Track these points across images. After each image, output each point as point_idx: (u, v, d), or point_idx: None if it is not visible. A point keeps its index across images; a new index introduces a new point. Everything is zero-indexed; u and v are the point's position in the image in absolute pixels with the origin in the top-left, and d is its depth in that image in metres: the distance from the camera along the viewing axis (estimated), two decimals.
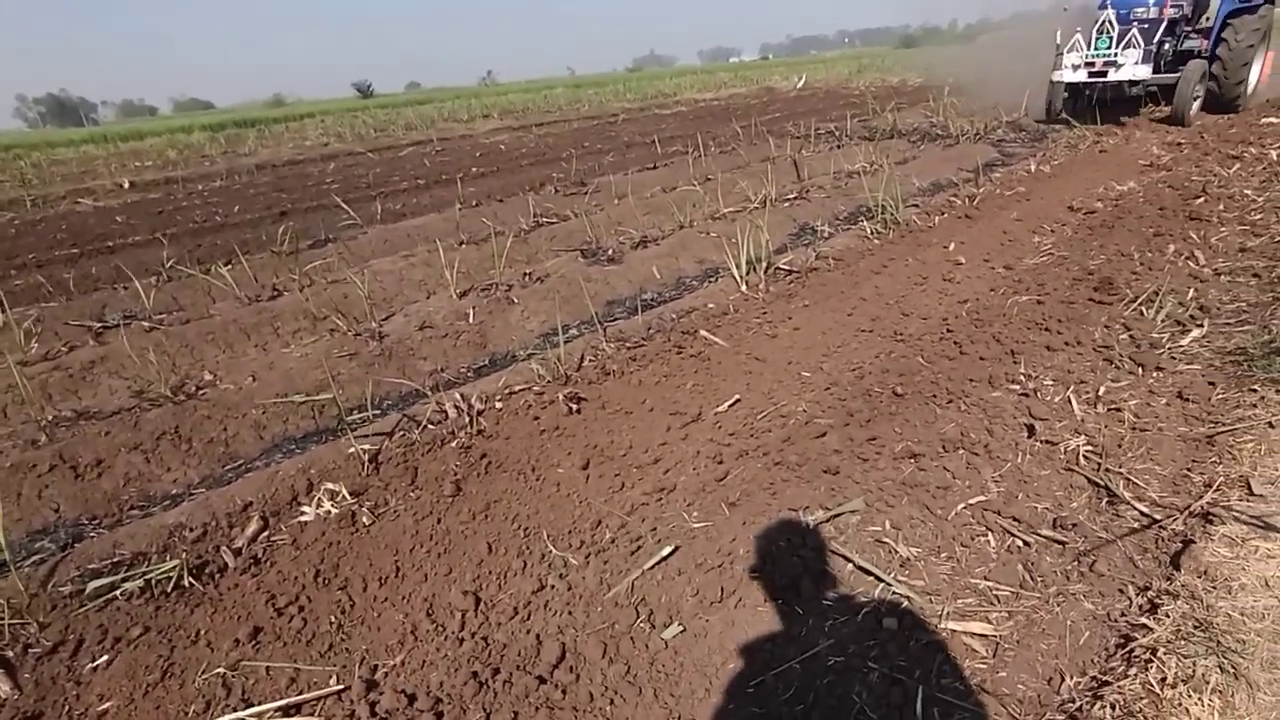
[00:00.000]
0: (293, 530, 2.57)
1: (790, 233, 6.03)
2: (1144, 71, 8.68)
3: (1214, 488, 2.13)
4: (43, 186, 14.19)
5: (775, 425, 2.98)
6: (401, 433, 3.13)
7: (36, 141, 32.50)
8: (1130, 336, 3.34)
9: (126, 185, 13.48)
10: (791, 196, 6.75)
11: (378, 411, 3.50)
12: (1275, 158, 6.44)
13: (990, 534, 2.14)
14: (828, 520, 2.25)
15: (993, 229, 5.35)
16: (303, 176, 12.77)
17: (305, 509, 2.64)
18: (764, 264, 4.69)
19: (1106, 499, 2.24)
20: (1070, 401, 2.74)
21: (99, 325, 4.80)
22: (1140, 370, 3.00)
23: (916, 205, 6.12)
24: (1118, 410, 2.67)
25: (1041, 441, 2.55)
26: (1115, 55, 8.66)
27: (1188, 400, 2.69)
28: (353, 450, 2.93)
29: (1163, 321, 3.43)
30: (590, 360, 3.65)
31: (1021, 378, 2.99)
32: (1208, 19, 9.76)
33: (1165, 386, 2.84)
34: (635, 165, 10.10)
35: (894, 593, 1.93)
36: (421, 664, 1.99)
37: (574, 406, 3.19)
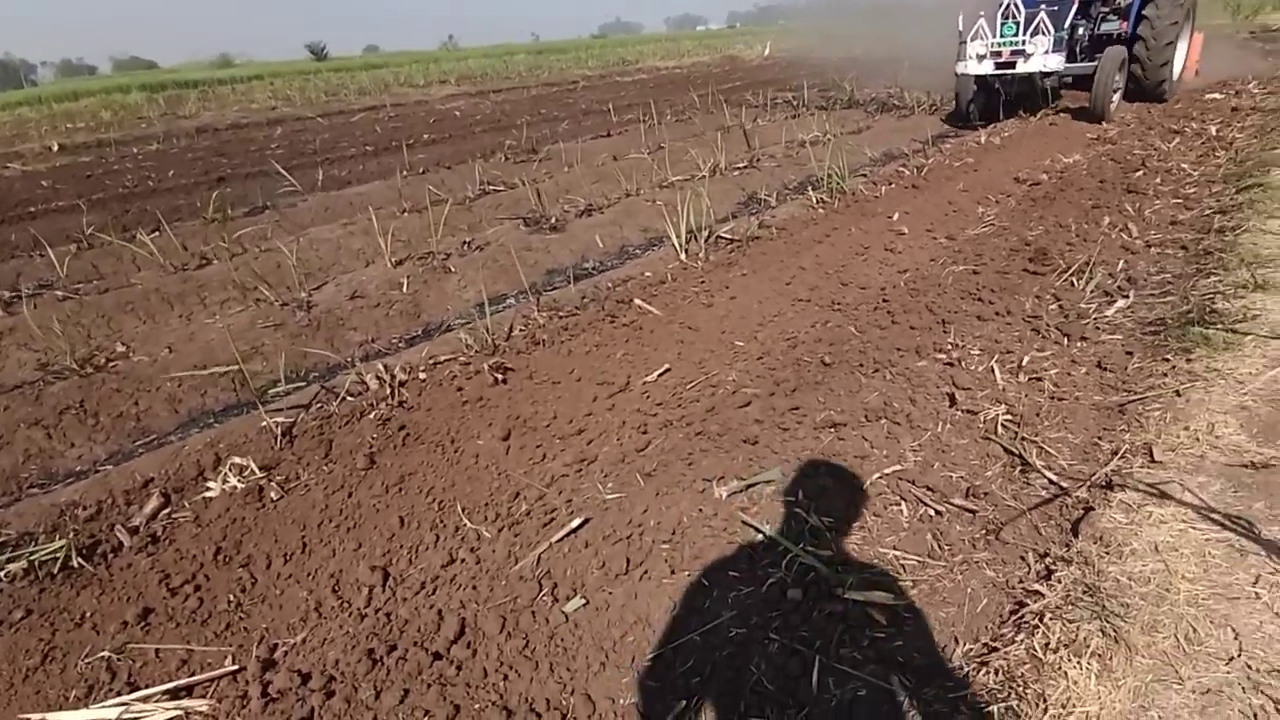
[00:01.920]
0: (196, 507, 2.46)
1: (738, 201, 5.98)
2: (1055, 61, 7.59)
3: (1119, 455, 2.15)
4: None
5: (704, 395, 2.94)
6: (319, 405, 3.03)
7: None
8: (1059, 307, 3.36)
9: (55, 148, 12.87)
10: (742, 165, 6.68)
11: (300, 383, 3.39)
12: (1214, 133, 6.54)
13: (904, 503, 2.13)
14: (742, 490, 2.23)
15: (939, 199, 5.35)
16: (245, 141, 12.32)
17: (211, 485, 2.54)
18: (706, 233, 4.63)
19: (1020, 467, 2.25)
20: (993, 371, 2.74)
21: (10, 295, 4.56)
22: (1065, 340, 3.02)
23: (865, 175, 6.10)
24: (1038, 380, 2.68)
25: (963, 411, 2.56)
26: (1023, 43, 7.54)
27: (1106, 370, 2.72)
28: (265, 423, 2.82)
29: (1091, 292, 3.46)
30: (521, 330, 3.57)
31: (949, 347, 3.00)
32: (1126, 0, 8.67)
33: (1087, 356, 2.87)
34: (589, 133, 9.92)
35: (801, 563, 1.91)
36: (322, 642, 1.92)
37: (499, 377, 3.11)
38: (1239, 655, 1.46)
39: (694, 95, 12.46)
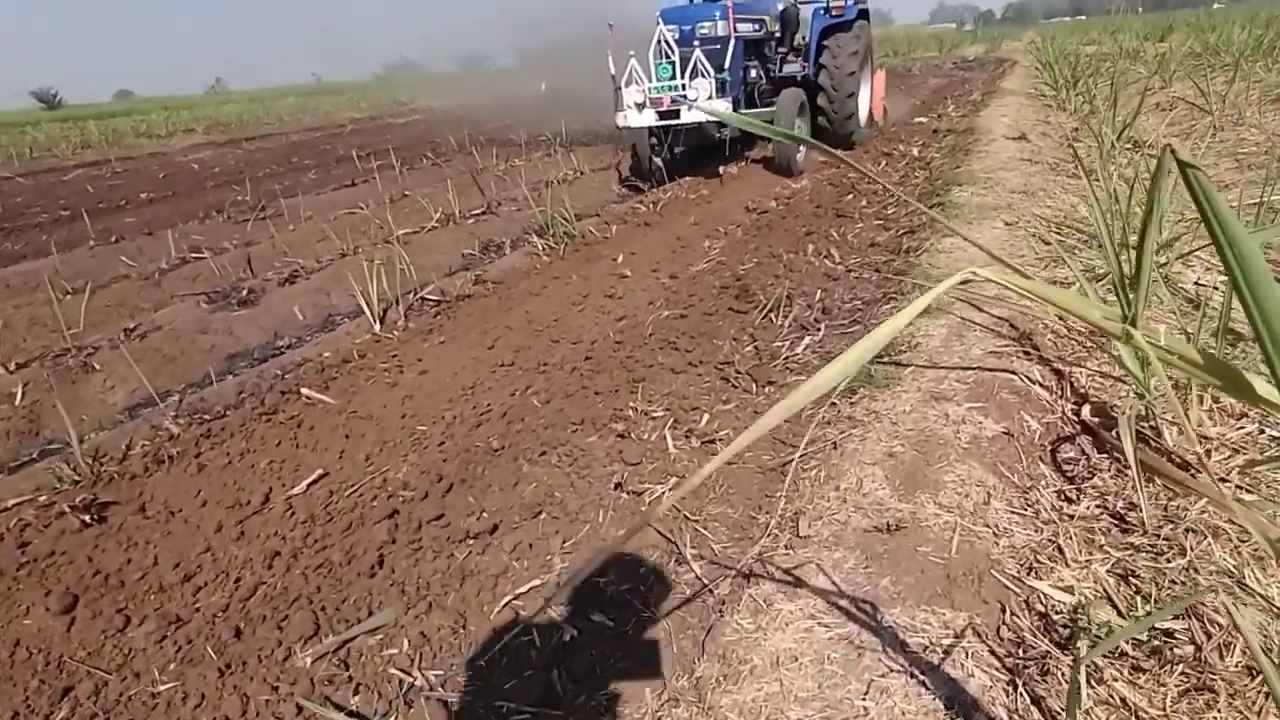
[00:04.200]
0: None
1: (467, 251, 5.58)
2: (721, 109, 6.13)
3: (767, 532, 1.95)
4: None
5: (363, 503, 2.46)
6: None
7: None
8: (755, 348, 3.26)
9: None
10: (478, 212, 6.31)
11: None
12: (916, 154, 7.13)
13: (535, 634, 1.78)
14: (335, 650, 1.77)
15: (668, 236, 5.28)
16: None
17: None
18: (412, 295, 4.17)
19: (675, 559, 1.99)
20: (666, 439, 2.51)
21: None
22: (754, 387, 2.89)
23: (598, 215, 5.95)
24: (711, 442, 2.48)
25: (629, 493, 2.28)
26: (683, 88, 6.25)
27: (784, 421, 2.58)
28: None
29: (789, 328, 3.41)
30: (145, 445, 2.89)
31: (631, 412, 2.74)
32: (804, 38, 7.96)
33: (770, 403, 2.73)
34: (335, 183, 9.15)
35: None
36: None
37: (91, 518, 2.44)
38: None
39: (464, 134, 11.99)
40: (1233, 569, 1.73)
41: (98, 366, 3.79)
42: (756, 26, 7.17)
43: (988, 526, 1.87)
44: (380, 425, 2.97)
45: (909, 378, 2.63)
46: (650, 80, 6.29)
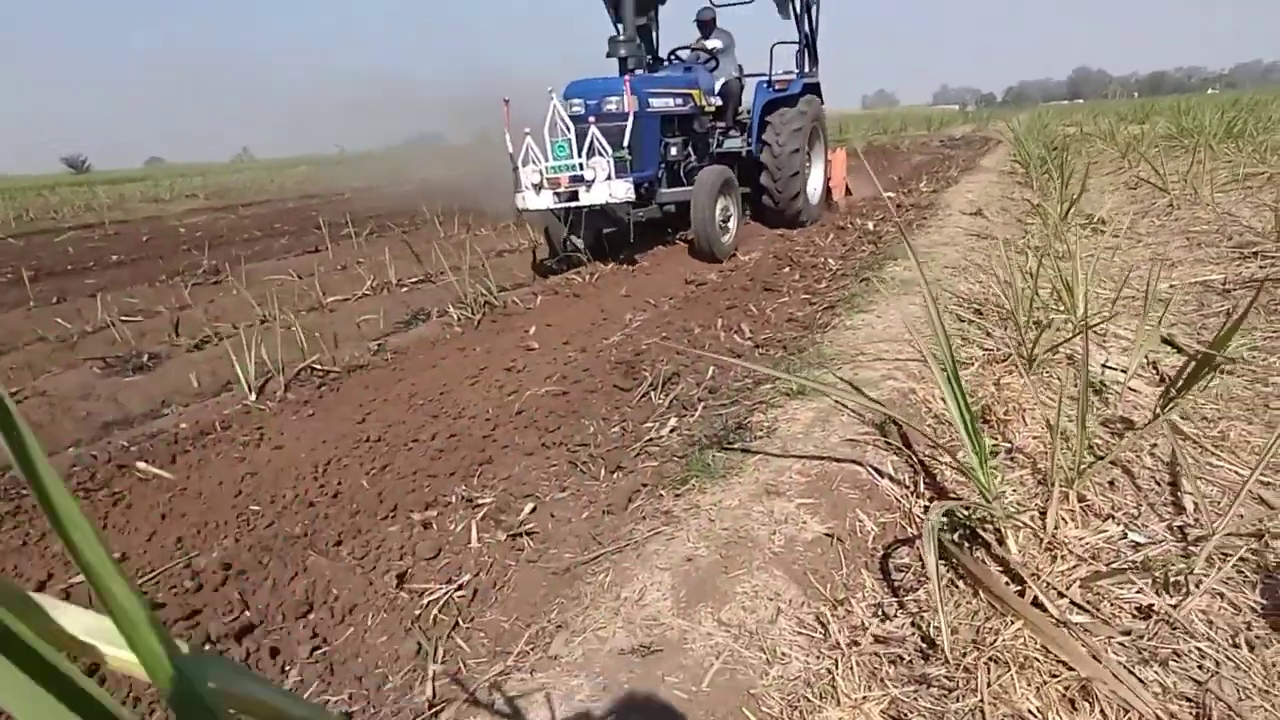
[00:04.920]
0: None
1: (399, 320, 5.46)
2: (622, 189, 5.67)
3: (517, 650, 1.71)
4: None
5: (149, 595, 2.24)
6: None
7: None
8: (622, 428, 3.06)
9: None
10: (415, 280, 6.24)
11: None
12: (871, 227, 7.05)
13: None
14: None
15: (593, 308, 5.15)
16: None
17: None
18: (302, 364, 4.03)
19: (420, 675, 1.75)
20: (471, 529, 2.29)
21: None
22: (601, 473, 2.67)
23: (525, 285, 5.85)
24: (520, 536, 2.26)
25: (408, 591, 2.05)
26: (580, 167, 5.72)
27: (608, 514, 2.36)
28: None
29: (669, 406, 3.22)
30: None
31: (455, 497, 2.53)
32: (747, 113, 7.69)
33: (610, 492, 2.52)
34: (301, 249, 9.21)
35: None
36: None
37: None
38: None
39: (441, 206, 12.13)
40: (1032, 712, 1.48)
41: None
42: (680, 101, 6.79)
43: (763, 651, 1.62)
44: (209, 505, 2.77)
45: (752, 467, 2.41)
46: (547, 159, 5.82)
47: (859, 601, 1.84)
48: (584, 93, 6.14)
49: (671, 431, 2.95)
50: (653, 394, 3.32)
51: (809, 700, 1.51)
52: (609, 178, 5.66)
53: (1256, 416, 2.67)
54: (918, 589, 1.90)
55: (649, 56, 7.70)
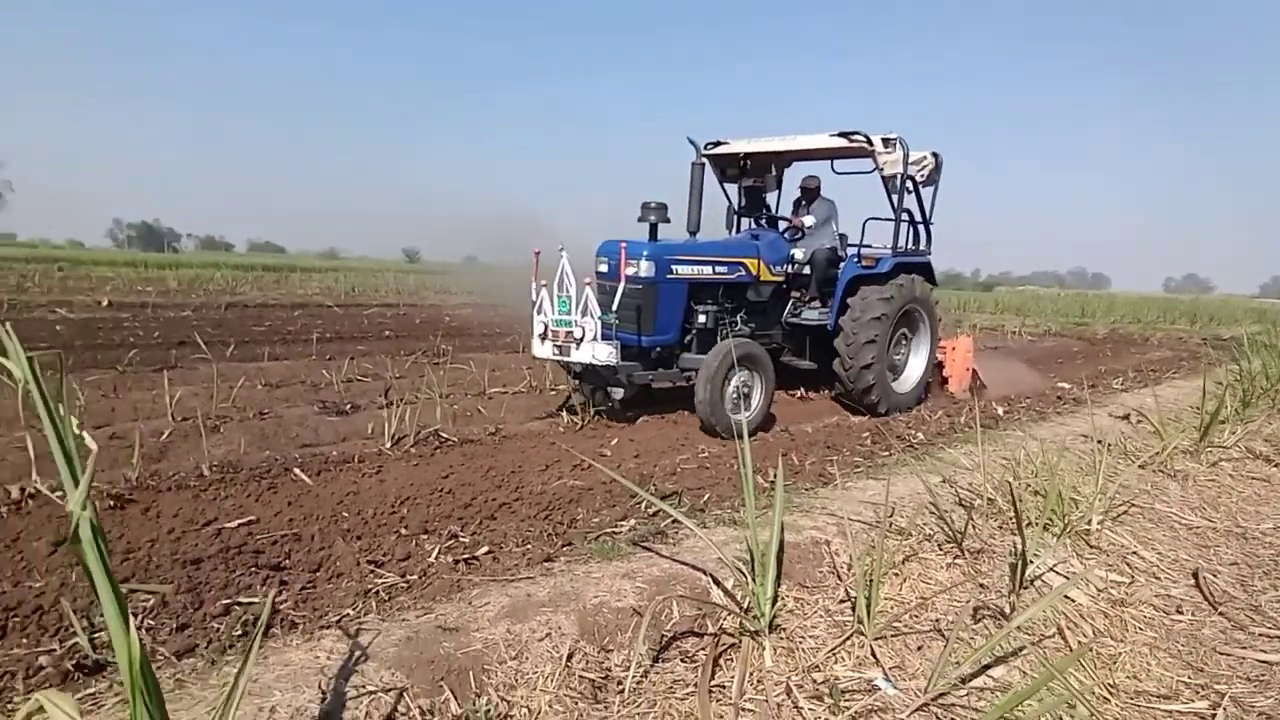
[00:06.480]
0: None
1: (536, 416, 6.80)
2: (605, 352, 5.73)
3: (417, 610, 2.67)
4: (51, 294, 16.05)
5: None
6: None
7: (100, 259, 36.24)
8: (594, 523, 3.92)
9: (105, 303, 15.17)
10: (562, 385, 7.63)
11: None
12: (1001, 412, 7.13)
13: None
14: None
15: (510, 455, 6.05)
16: (244, 317, 14.32)
17: None
18: (428, 430, 5.45)
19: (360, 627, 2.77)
20: (437, 550, 3.31)
21: None
22: (548, 536, 3.56)
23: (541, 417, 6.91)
24: (477, 560, 3.23)
25: (375, 573, 3.11)
26: (574, 324, 5.85)
27: (541, 561, 3.25)
28: None
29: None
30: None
31: (449, 530, 3.58)
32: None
33: (544, 549, 3.40)
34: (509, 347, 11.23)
35: None
36: None
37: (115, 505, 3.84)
38: None
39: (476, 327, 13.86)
40: None
41: (222, 430, 5.53)
42: (726, 270, 6.75)
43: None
44: (319, 502, 4.13)
45: (638, 559, 3.17)
46: (552, 311, 6.04)
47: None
48: (609, 253, 6.32)
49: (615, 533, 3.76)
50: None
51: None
52: (594, 339, 5.77)
53: None
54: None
55: (749, 220, 8.13)
